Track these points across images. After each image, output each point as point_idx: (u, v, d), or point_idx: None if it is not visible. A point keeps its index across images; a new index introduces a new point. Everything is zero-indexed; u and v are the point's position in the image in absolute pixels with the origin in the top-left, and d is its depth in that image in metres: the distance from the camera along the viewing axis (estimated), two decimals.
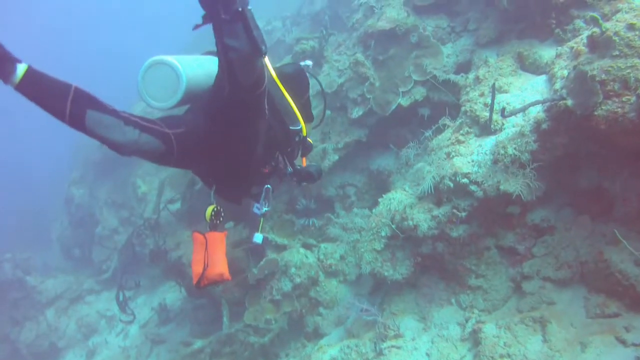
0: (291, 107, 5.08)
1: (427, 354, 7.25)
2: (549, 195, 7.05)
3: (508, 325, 6.67)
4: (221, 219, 4.80)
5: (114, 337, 14.33)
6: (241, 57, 3.87)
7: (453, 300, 7.76)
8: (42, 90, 3.38)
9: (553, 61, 7.40)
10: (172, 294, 13.88)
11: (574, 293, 6.73)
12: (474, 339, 6.97)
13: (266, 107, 4.50)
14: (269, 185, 5.26)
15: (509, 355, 6.37)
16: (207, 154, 4.43)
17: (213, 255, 4.69)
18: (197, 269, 4.68)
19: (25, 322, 15.38)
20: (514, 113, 6.59)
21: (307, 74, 5.77)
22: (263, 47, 3.81)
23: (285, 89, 5.05)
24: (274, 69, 5.08)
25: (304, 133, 5.38)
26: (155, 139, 3.88)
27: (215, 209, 4.74)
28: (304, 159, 5.96)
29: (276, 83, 5.01)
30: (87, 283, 16.68)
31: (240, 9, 3.70)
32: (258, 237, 5.27)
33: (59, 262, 18.68)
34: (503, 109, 6.44)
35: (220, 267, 4.73)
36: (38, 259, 17.95)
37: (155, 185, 14.48)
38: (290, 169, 5.42)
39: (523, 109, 6.61)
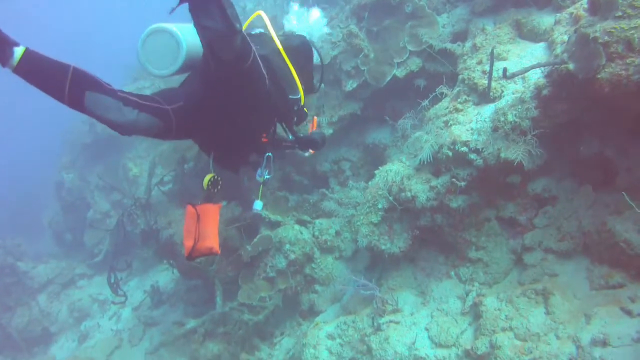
0: (293, 76, 5.10)
1: (427, 329, 7.07)
2: (550, 164, 6.87)
3: (509, 298, 6.50)
4: (218, 187, 4.80)
5: (106, 321, 14.15)
6: (217, 36, 3.91)
7: (452, 274, 7.58)
8: (40, 73, 3.43)
9: (552, 28, 7.24)
10: (164, 276, 13.76)
11: (576, 264, 6.57)
12: (475, 312, 6.83)
13: (266, 76, 4.54)
14: (270, 154, 5.23)
15: (511, 328, 6.22)
16: (205, 124, 4.46)
17: (205, 227, 4.67)
18: (188, 241, 4.67)
19: (16, 308, 15.14)
20: (515, 75, 6.37)
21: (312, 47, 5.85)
22: (237, 25, 3.86)
23: (290, 59, 5.10)
24: (280, 39, 5.18)
25: (302, 102, 5.36)
26: (154, 117, 3.98)
27: (213, 178, 4.73)
28: (310, 126, 6.04)
29: (280, 53, 5.08)
30: (79, 267, 16.58)
31: None
32: (258, 204, 5.28)
33: (51, 248, 18.47)
34: (505, 70, 6.20)
35: (210, 240, 4.72)
36: (29, 245, 17.76)
37: (146, 167, 14.30)
38: (291, 136, 5.45)
39: (525, 71, 6.39)
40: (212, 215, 4.77)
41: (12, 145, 38.21)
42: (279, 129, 5.43)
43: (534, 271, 6.82)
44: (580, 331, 5.75)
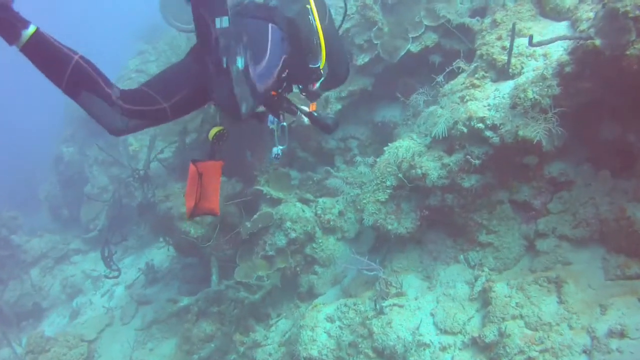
0: (320, 43, 4.64)
1: (432, 314, 6.78)
2: (568, 148, 6.58)
3: (520, 285, 6.22)
4: (224, 140, 4.50)
5: (98, 298, 13.85)
6: (224, 106, 3.89)
7: (461, 258, 7.28)
8: (44, 58, 3.37)
9: (576, 6, 6.94)
10: (160, 254, 13.51)
11: (592, 253, 6.33)
12: (484, 298, 6.53)
13: (287, 46, 4.28)
14: (284, 123, 4.90)
15: (521, 317, 5.95)
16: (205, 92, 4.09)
17: (206, 187, 4.43)
18: (189, 202, 4.42)
19: (9, 281, 14.90)
20: (542, 44, 6.06)
21: None
22: (244, 108, 3.75)
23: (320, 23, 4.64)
24: None
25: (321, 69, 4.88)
26: (146, 120, 3.85)
27: (220, 131, 4.43)
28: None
29: (311, 15, 4.59)
30: (74, 243, 16.32)
31: (225, 66, 3.60)
32: (277, 150, 4.91)
33: (47, 222, 18.22)
34: (530, 37, 5.86)
35: (211, 201, 4.48)
36: (26, 219, 17.55)
37: (147, 142, 14.02)
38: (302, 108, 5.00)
39: (551, 41, 6.07)
40: (214, 174, 4.47)
41: (13, 118, 38.03)
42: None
43: (546, 258, 6.57)
44: (595, 322, 5.52)
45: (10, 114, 38.79)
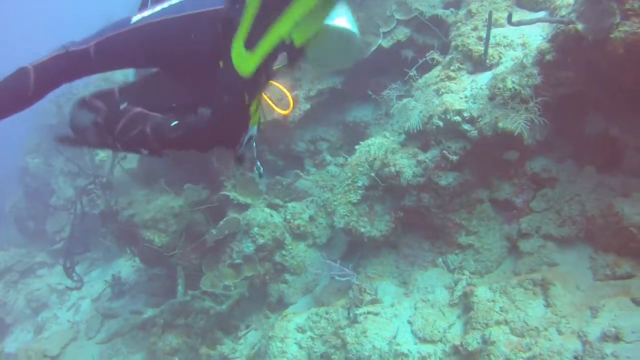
0: None
1: (410, 322, 6.40)
2: (550, 143, 6.28)
3: (504, 289, 5.86)
4: None
5: (64, 312, 13.43)
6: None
7: (440, 261, 6.90)
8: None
9: None
10: (128, 267, 13.08)
11: (578, 253, 6.01)
12: (465, 303, 6.17)
13: None
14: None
15: (506, 322, 5.57)
16: None
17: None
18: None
19: None
20: (522, 23, 5.71)
21: None
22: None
23: None
24: None
25: None
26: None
27: None
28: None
29: None
30: (39, 256, 15.91)
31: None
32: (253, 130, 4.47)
33: (13, 236, 17.77)
34: (509, 15, 5.50)
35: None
36: None
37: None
38: None
39: (531, 22, 5.78)
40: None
41: None
42: None
43: (530, 260, 6.22)
44: (586, 325, 5.16)
45: None
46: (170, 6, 3.71)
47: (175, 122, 3.50)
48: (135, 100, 3.73)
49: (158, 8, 3.73)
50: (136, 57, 3.86)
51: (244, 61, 3.41)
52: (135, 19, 3.70)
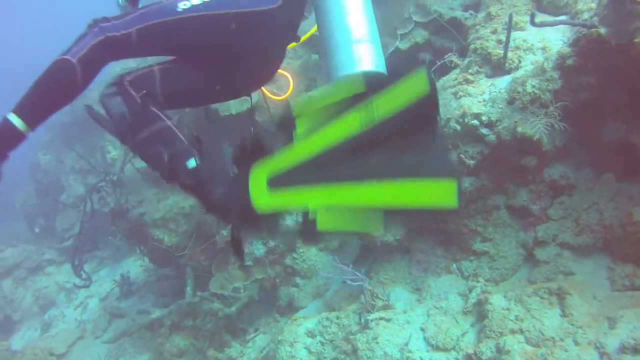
0: None
1: (422, 329, 6.26)
2: (568, 149, 6.12)
3: (519, 297, 5.71)
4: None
5: (72, 311, 13.40)
6: None
7: (454, 268, 6.77)
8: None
9: None
10: (137, 266, 13.01)
11: (595, 262, 5.88)
12: (479, 311, 6.02)
13: None
14: None
15: (521, 331, 5.43)
16: None
17: None
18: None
19: None
20: (545, 24, 5.61)
21: None
22: None
23: None
24: None
25: None
26: None
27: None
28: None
29: None
30: (48, 253, 15.78)
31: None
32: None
33: (23, 232, 17.73)
34: (532, 16, 5.39)
35: None
36: (1, 228, 17.18)
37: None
38: None
39: (555, 23, 5.68)
40: None
41: None
42: None
43: (547, 268, 6.08)
44: (603, 336, 5.02)
45: None
46: None
47: (194, 165, 3.44)
48: (171, 88, 3.73)
49: None
50: (179, 47, 3.80)
51: (261, 196, 3.24)
52: (182, 6, 3.61)
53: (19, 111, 3.27)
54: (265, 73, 4.30)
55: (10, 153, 3.36)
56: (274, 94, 6.15)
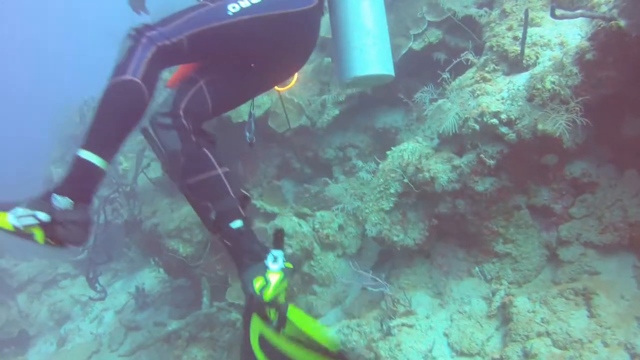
0: None
1: (446, 334, 6.13)
2: (588, 146, 5.98)
3: (544, 299, 5.57)
4: None
5: (87, 324, 13.34)
6: None
7: (476, 271, 6.58)
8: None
9: None
10: (152, 278, 12.98)
11: (621, 261, 5.70)
12: (503, 315, 5.87)
13: None
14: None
15: (548, 334, 5.28)
16: None
17: None
18: None
19: None
20: (566, 17, 5.42)
21: None
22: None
23: None
24: None
25: None
26: None
27: None
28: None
29: None
30: (63, 267, 15.77)
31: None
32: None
33: (37, 246, 17.67)
34: (552, 8, 5.24)
35: None
36: (15, 242, 17.11)
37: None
38: None
39: (575, 15, 5.46)
40: None
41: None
42: None
43: (571, 268, 5.90)
44: (633, 337, 4.89)
45: None
46: None
47: (240, 225, 3.61)
48: (219, 100, 3.79)
49: None
50: (232, 50, 3.80)
51: (266, 292, 3.41)
52: (232, 9, 3.60)
53: (92, 147, 3.17)
54: (298, 68, 4.46)
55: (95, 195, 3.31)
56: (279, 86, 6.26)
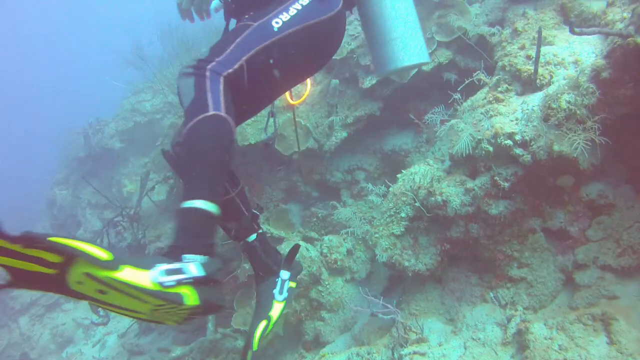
0: None
1: None
2: (604, 167, 5.83)
3: (561, 325, 5.34)
4: None
5: (90, 348, 13.25)
6: None
7: (490, 296, 6.38)
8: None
9: (604, 10, 6.14)
10: None
11: None
12: (519, 342, 5.64)
13: None
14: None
15: None
16: None
17: None
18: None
19: None
20: (584, 33, 5.27)
21: None
22: None
23: None
24: None
25: None
26: None
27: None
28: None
29: None
30: None
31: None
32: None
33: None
34: (571, 24, 5.09)
35: None
36: None
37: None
38: None
39: (593, 32, 5.33)
40: None
41: (4, 163, 38.61)
42: None
43: (588, 293, 5.71)
44: None
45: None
46: (304, 8, 3.91)
47: (254, 239, 4.57)
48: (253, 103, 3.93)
49: (292, 11, 3.86)
50: (282, 64, 3.81)
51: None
52: (275, 24, 3.73)
53: (202, 194, 2.93)
54: (321, 68, 4.62)
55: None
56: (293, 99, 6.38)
